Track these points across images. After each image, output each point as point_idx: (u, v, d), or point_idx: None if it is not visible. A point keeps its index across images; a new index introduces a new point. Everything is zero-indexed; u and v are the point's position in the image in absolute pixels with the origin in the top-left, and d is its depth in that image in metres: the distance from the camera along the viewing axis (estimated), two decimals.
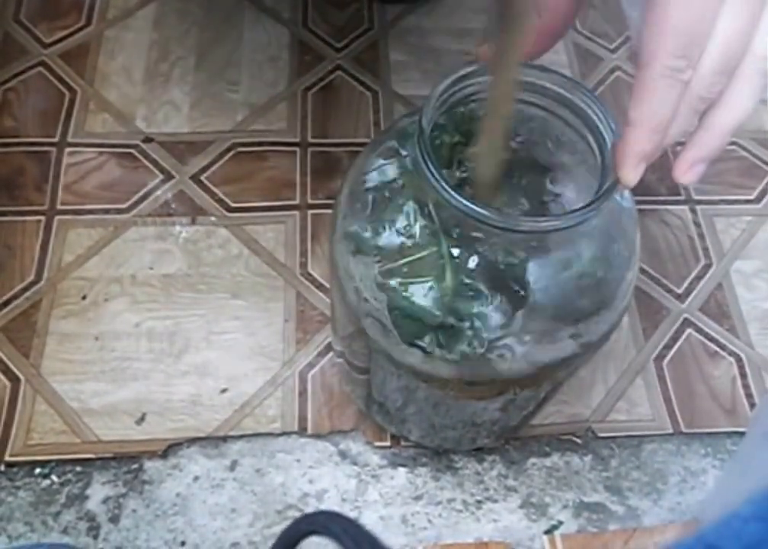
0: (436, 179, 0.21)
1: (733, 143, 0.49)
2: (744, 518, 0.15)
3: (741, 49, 0.20)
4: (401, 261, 0.24)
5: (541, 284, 0.23)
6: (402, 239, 0.24)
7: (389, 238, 0.24)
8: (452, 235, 0.23)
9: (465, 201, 0.20)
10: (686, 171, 0.22)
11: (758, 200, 0.46)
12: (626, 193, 0.26)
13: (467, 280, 0.23)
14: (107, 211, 0.42)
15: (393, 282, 0.24)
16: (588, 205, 0.21)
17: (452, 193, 0.21)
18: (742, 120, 0.21)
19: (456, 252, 0.23)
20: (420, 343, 0.24)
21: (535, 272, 0.23)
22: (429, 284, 0.23)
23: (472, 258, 0.23)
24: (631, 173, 0.21)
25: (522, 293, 0.23)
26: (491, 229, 0.21)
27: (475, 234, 0.22)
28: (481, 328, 0.23)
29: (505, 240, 0.22)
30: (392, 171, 0.25)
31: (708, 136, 0.21)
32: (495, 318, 0.23)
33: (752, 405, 0.39)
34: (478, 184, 0.23)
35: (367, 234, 0.25)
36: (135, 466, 0.35)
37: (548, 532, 0.35)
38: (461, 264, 0.23)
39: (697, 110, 0.20)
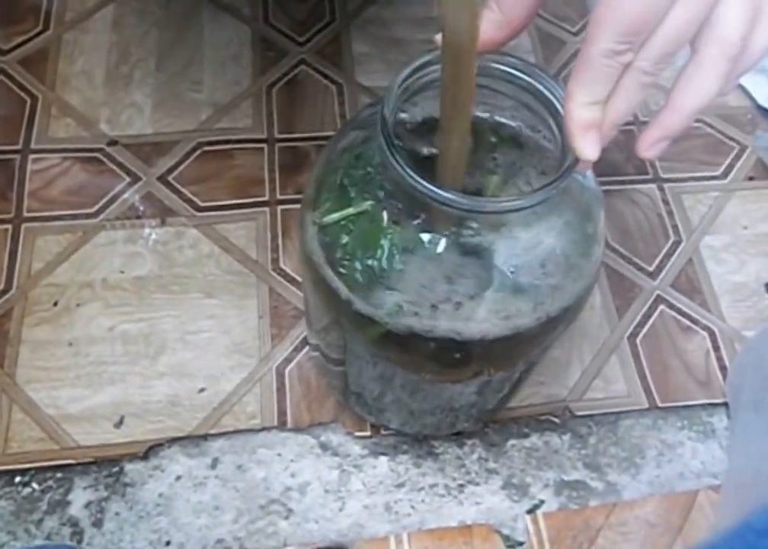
0: (401, 166, 0.21)
1: (698, 121, 0.49)
2: (758, 532, 0.14)
3: (691, 34, 0.20)
4: (368, 244, 0.24)
5: (508, 264, 0.23)
6: (370, 223, 0.24)
7: (357, 224, 0.24)
8: (420, 217, 0.23)
9: (430, 186, 0.21)
10: (649, 148, 0.22)
11: (724, 175, 0.47)
12: (589, 173, 0.26)
13: (435, 262, 0.23)
14: (74, 217, 0.42)
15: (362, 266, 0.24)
16: (550, 183, 0.21)
17: (418, 179, 0.21)
18: (706, 104, 0.21)
19: (424, 235, 0.23)
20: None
21: (502, 252, 0.23)
22: (396, 266, 0.24)
23: (439, 241, 0.23)
24: (585, 146, 0.21)
25: (489, 272, 0.23)
26: (456, 211, 0.21)
27: (441, 216, 0.23)
28: (450, 308, 0.24)
29: (471, 222, 0.23)
30: (358, 158, 0.25)
31: (672, 117, 0.21)
32: (464, 298, 0.24)
33: (726, 376, 0.40)
34: (443, 170, 0.24)
35: (336, 222, 0.25)
36: (116, 469, 0.35)
37: (530, 512, 0.35)
38: (429, 246, 0.23)
39: (643, 84, 0.20)
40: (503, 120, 0.27)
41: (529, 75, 0.23)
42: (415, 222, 0.23)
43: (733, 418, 0.37)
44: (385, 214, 0.24)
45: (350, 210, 0.25)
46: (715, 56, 0.20)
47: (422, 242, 0.23)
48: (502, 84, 0.24)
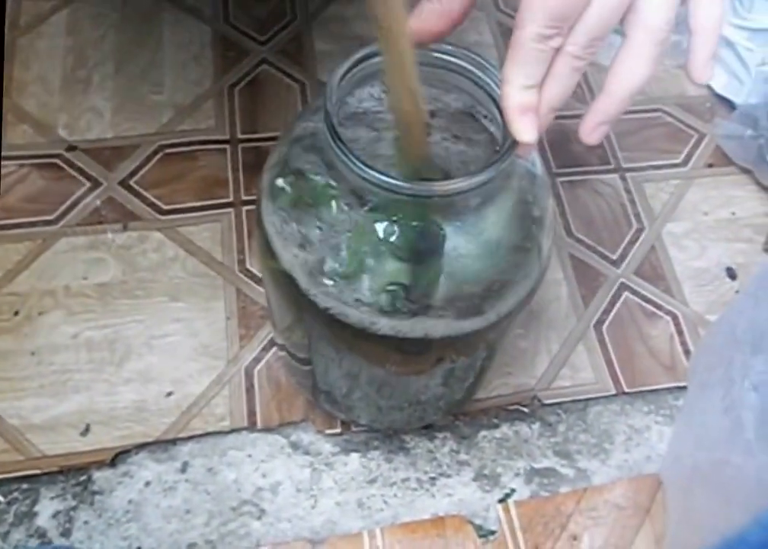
0: (345, 154, 0.22)
1: (657, 110, 0.50)
2: (752, 546, 0.14)
3: (617, 19, 0.20)
4: (321, 233, 0.24)
5: (457, 250, 0.24)
6: (322, 211, 0.24)
7: (311, 214, 0.24)
8: (369, 205, 0.23)
9: (372, 171, 0.21)
10: (590, 133, 0.23)
11: (684, 163, 0.48)
12: (537, 161, 0.26)
13: (384, 249, 0.23)
14: (34, 224, 0.41)
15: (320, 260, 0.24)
16: (489, 165, 0.22)
17: (360, 165, 0.21)
18: (639, 88, 0.22)
19: (375, 224, 0.23)
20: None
21: (451, 238, 0.24)
22: (348, 253, 0.24)
23: (389, 229, 0.23)
24: (522, 129, 0.21)
25: (438, 259, 0.24)
26: (401, 197, 0.21)
27: (390, 203, 0.23)
28: (401, 295, 0.24)
29: (419, 207, 0.23)
30: (310, 149, 0.25)
31: (608, 102, 0.22)
32: (413, 285, 0.24)
33: (690, 360, 0.40)
34: (404, 165, 0.24)
35: (291, 211, 0.25)
36: (83, 477, 0.35)
37: (501, 501, 0.35)
38: (378, 235, 0.23)
39: (574, 68, 0.21)
40: (447, 105, 0.27)
41: (467, 62, 0.24)
42: (363, 210, 0.23)
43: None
44: (334, 203, 0.24)
45: (305, 200, 0.25)
46: (642, 41, 0.20)
47: (372, 230, 0.23)
48: (443, 72, 0.24)
